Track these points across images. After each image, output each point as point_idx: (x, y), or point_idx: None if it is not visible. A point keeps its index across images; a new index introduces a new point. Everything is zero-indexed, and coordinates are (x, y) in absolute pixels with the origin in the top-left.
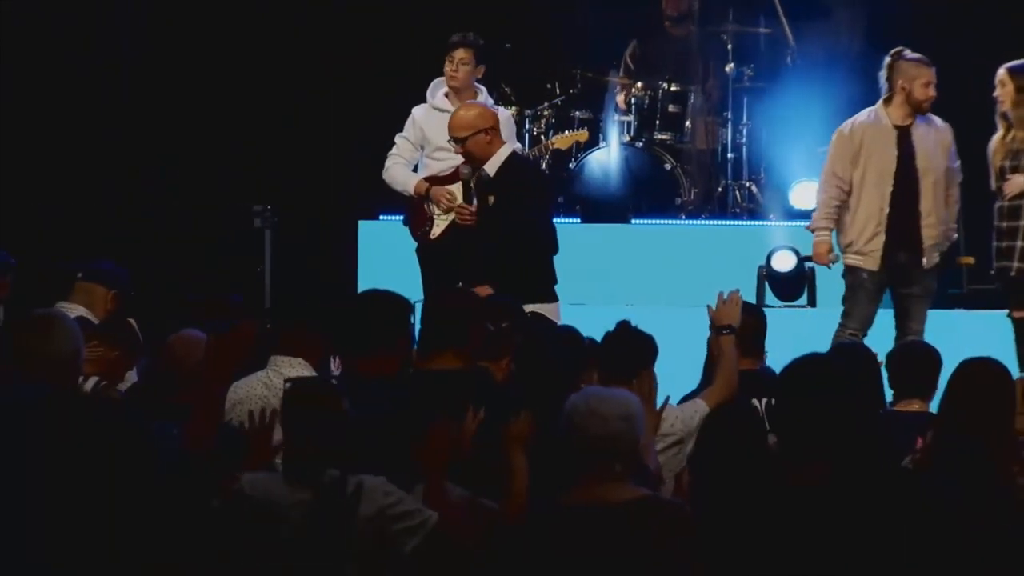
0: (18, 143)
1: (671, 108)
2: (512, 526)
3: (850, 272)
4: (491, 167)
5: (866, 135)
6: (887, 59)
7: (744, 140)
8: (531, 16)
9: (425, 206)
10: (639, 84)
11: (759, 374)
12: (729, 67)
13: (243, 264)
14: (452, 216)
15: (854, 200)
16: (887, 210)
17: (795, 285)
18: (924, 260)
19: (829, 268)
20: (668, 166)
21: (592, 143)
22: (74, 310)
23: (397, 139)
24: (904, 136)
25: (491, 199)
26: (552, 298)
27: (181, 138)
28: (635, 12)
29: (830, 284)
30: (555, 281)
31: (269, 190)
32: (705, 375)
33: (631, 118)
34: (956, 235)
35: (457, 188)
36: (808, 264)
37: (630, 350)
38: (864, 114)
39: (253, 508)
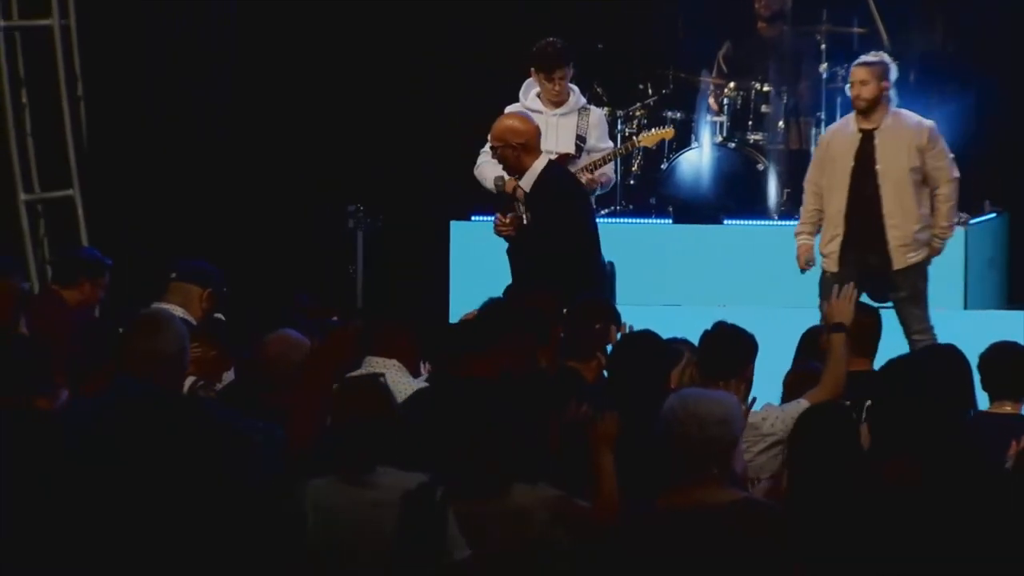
0: (110, 144)
1: (764, 109)
2: (605, 526)
3: (822, 274)
4: (527, 182)
5: (833, 141)
6: None
7: None
8: (623, 17)
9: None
10: (732, 84)
11: (870, 376)
12: (822, 67)
13: (336, 265)
14: None
15: (825, 205)
16: (844, 212)
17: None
18: (893, 261)
19: (802, 271)
20: (760, 167)
21: (684, 144)
22: (171, 310)
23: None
24: (867, 139)
25: (526, 216)
26: None
27: (274, 138)
28: (728, 13)
29: None
30: (598, 288)
31: (362, 191)
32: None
33: (723, 119)
34: (946, 234)
35: None
36: None
37: (729, 349)
38: (840, 121)
39: (311, 511)
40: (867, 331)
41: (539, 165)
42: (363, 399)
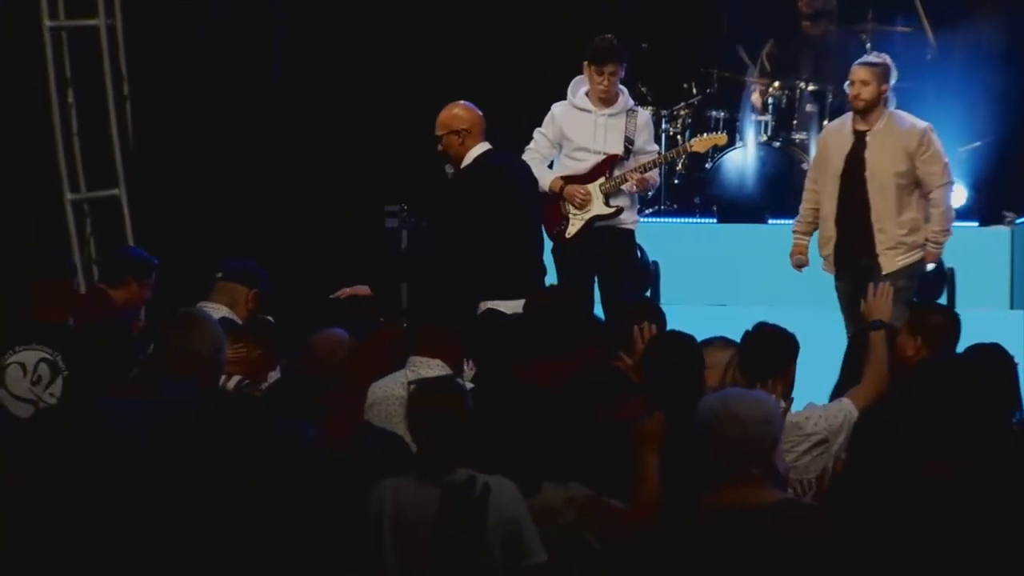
0: (156, 143)
1: (808, 108)
2: (643, 527)
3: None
4: (464, 163)
5: (828, 141)
6: None
7: None
8: (668, 16)
9: (560, 205)
10: (776, 84)
11: None
12: None
13: (379, 264)
14: (587, 215)
15: (820, 205)
16: (835, 215)
17: (934, 286)
18: (881, 264)
19: (799, 271)
20: (805, 166)
21: (729, 143)
22: (217, 310)
23: (535, 134)
24: (860, 141)
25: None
26: (513, 295)
27: (317, 138)
28: (772, 11)
29: (970, 285)
30: (524, 278)
31: (404, 190)
32: (843, 374)
33: (768, 118)
34: (939, 238)
35: (593, 187)
36: (948, 265)
37: (769, 349)
38: (838, 120)
39: (389, 509)
40: (942, 331)
41: (478, 150)
42: (439, 400)
